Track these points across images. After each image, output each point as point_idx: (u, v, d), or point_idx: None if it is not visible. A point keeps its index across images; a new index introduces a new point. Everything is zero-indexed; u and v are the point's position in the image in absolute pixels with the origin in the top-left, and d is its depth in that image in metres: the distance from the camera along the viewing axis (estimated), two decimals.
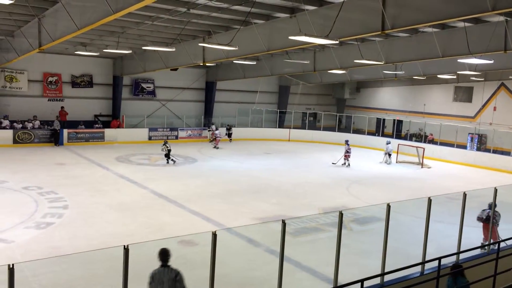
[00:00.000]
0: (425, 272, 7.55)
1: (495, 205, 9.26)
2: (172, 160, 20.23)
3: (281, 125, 32.99)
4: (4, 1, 8.32)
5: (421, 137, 28.82)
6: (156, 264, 7.58)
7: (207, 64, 23.59)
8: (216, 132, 26.78)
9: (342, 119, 34.18)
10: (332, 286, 6.51)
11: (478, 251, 8.59)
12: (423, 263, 7.58)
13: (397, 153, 24.25)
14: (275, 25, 14.44)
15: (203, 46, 18.19)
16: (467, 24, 13.86)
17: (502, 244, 8.40)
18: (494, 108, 28.49)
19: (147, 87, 28.93)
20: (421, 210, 7.98)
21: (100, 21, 10.76)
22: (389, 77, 27.20)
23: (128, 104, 28.24)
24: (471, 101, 30.12)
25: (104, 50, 20.61)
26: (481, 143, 27.36)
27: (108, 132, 25.59)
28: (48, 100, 25.62)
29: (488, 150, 25.69)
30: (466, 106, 30.29)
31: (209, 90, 31.27)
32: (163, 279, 5.66)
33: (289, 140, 30.97)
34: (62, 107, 25.57)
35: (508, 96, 28.05)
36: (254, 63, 24.46)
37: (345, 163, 21.69)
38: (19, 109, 24.43)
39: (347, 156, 21.70)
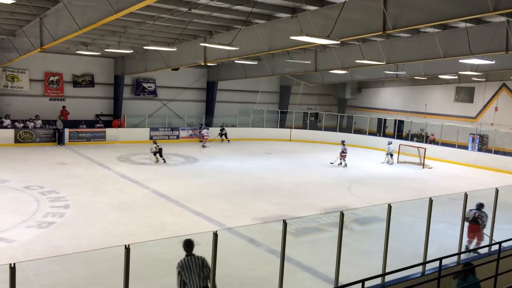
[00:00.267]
0: (426, 273, 7.54)
1: (493, 206, 9.18)
2: (161, 159, 20.33)
3: (282, 125, 32.98)
4: (6, 1, 8.33)
5: (422, 138, 28.80)
6: (154, 262, 7.60)
7: (208, 64, 23.61)
8: (203, 131, 26.91)
9: (343, 120, 34.14)
10: (333, 286, 6.51)
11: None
12: (424, 263, 7.58)
13: (398, 153, 24.23)
14: (277, 25, 14.44)
15: (205, 46, 18.20)
16: (468, 25, 13.84)
17: (504, 245, 8.39)
18: (496, 109, 28.45)
19: (149, 86, 28.95)
20: (422, 210, 7.98)
21: (102, 21, 10.77)
22: (391, 77, 27.18)
23: (130, 103, 28.26)
24: (472, 101, 30.08)
25: (106, 50, 20.63)
26: (482, 144, 27.33)
27: (110, 132, 25.61)
28: (50, 100, 25.64)
29: (489, 151, 25.64)
30: (468, 106, 30.26)
31: (210, 90, 31.28)
32: (192, 267, 6.04)
33: (290, 140, 30.96)
34: (63, 107, 25.59)
35: (510, 97, 28.02)
36: (255, 63, 24.46)
37: (341, 163, 21.66)
38: (21, 109, 24.46)
39: (343, 156, 21.67)
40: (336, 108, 38.13)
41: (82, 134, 24.69)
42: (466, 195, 8.18)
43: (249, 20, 14.02)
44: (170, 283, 8.18)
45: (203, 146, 26.09)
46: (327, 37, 11.00)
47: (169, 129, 27.74)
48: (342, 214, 6.56)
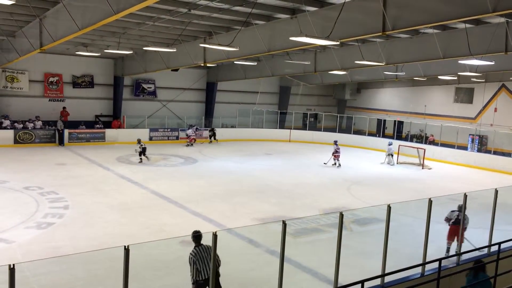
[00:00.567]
0: (425, 273, 7.55)
1: (492, 206, 9.17)
2: (145, 157, 20.51)
3: (281, 125, 33.00)
4: (6, 2, 8.33)
5: (421, 138, 28.81)
6: (153, 263, 7.60)
7: (208, 65, 23.61)
8: (188, 131, 26.95)
9: (343, 120, 34.16)
10: (333, 287, 6.52)
11: (478, 253, 8.58)
12: (423, 264, 7.58)
13: (398, 154, 24.24)
14: (276, 26, 14.45)
15: (204, 47, 18.21)
16: (468, 25, 13.86)
17: (504, 245, 8.39)
18: (495, 109, 28.47)
19: (148, 87, 28.96)
20: (422, 211, 7.98)
21: (101, 22, 10.77)
22: (390, 78, 27.20)
23: (129, 104, 28.27)
24: (471, 102, 30.10)
25: (105, 51, 20.63)
26: (481, 144, 27.35)
27: (109, 133, 25.61)
28: (49, 101, 25.64)
29: (488, 151, 25.67)
30: (467, 107, 30.28)
31: (210, 91, 31.29)
32: (203, 256, 6.64)
33: (289, 141, 30.97)
34: (64, 108, 25.60)
35: (509, 97, 28.05)
36: (255, 63, 24.47)
37: (335, 163, 21.63)
38: (20, 109, 24.46)
39: (336, 156, 21.64)
40: (335, 108, 38.14)
41: (82, 135, 24.68)
42: (465, 196, 8.19)
43: (248, 21, 14.03)
44: (169, 284, 8.21)
45: (188, 145, 26.29)
46: (327, 38, 11.01)
47: (169, 129, 27.73)
48: (341, 215, 6.57)
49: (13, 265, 4.27)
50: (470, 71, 20.85)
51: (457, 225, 9.62)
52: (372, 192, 17.02)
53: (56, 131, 23.88)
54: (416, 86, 32.73)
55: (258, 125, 32.34)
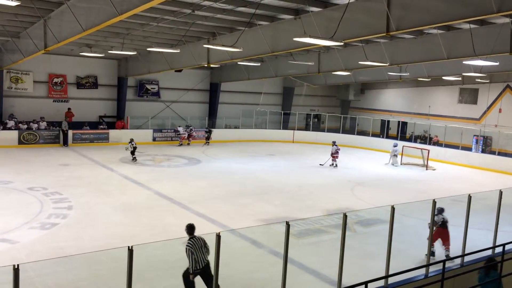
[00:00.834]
0: (429, 275, 7.53)
1: (497, 207, 9.11)
2: (134, 157, 20.70)
3: (285, 126, 32.97)
4: (11, 3, 8.36)
5: (425, 139, 28.73)
6: (157, 263, 7.61)
7: (211, 66, 23.63)
8: (179, 128, 26.96)
9: (346, 121, 34.09)
10: None
11: (483, 254, 8.54)
12: (427, 265, 7.56)
13: (402, 155, 24.18)
14: (280, 26, 14.45)
15: (208, 48, 18.23)
16: (472, 26, 13.81)
17: (508, 247, 8.36)
18: (500, 110, 28.35)
19: (152, 88, 29.01)
20: (426, 212, 7.96)
21: (105, 23, 10.81)
22: (394, 79, 27.13)
23: (133, 105, 28.33)
24: (476, 103, 29.99)
25: (109, 51, 20.70)
26: (486, 145, 27.24)
27: (113, 133, 25.67)
28: (53, 101, 25.74)
29: (493, 152, 25.55)
30: (471, 108, 30.16)
31: (213, 91, 31.32)
32: (198, 246, 7.13)
33: (293, 142, 30.95)
34: (69, 108, 25.68)
35: None
36: (259, 64, 24.48)
37: (333, 164, 21.55)
38: (24, 110, 24.55)
39: (335, 157, 21.55)
40: (339, 109, 38.08)
41: (86, 136, 24.75)
42: (470, 197, 8.15)
43: (252, 21, 14.04)
44: (173, 284, 8.20)
45: (180, 145, 26.38)
46: (331, 38, 11.00)
47: (172, 130, 27.76)
48: (345, 216, 6.55)
49: (18, 265, 4.28)
50: (475, 72, 20.78)
51: (443, 228, 9.77)
52: (376, 193, 16.98)
53: (61, 132, 23.95)
54: (420, 86, 32.64)
55: (261, 125, 32.34)
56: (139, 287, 5.39)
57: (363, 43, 17.73)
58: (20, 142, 22.84)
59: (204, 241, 7.22)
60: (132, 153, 20.66)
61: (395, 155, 23.45)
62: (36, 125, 23.77)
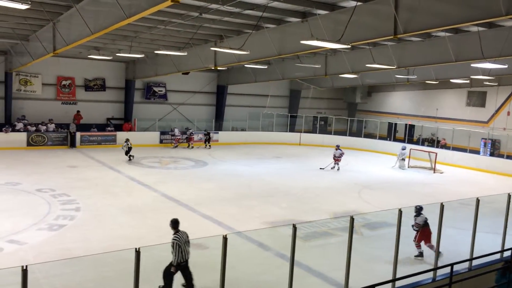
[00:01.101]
0: (437, 279, 7.49)
1: (505, 211, 9.09)
2: (128, 157, 21.02)
3: (292, 129, 32.94)
4: (20, 6, 8.45)
5: (433, 142, 28.58)
6: (163, 265, 7.62)
7: (218, 68, 23.70)
8: (175, 130, 26.93)
9: (353, 124, 33.99)
10: None
11: (490, 258, 8.48)
12: (435, 269, 7.53)
13: (409, 158, 24.07)
14: (287, 29, 14.46)
15: (215, 50, 18.29)
16: (480, 29, 13.75)
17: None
18: (508, 113, 28.15)
19: (159, 90, 29.13)
20: (433, 215, 7.92)
21: (114, 26, 10.88)
22: (401, 82, 27.04)
23: (140, 107, 28.46)
24: (484, 106, 29.80)
25: (117, 54, 20.83)
26: (494, 149, 27.05)
27: (120, 135, 25.79)
28: (62, 104, 25.92)
29: (501, 156, 25.36)
30: (479, 111, 29.97)
31: (220, 94, 31.38)
32: (183, 240, 7.50)
33: (299, 144, 30.92)
34: (78, 111, 25.86)
35: None
36: (265, 67, 24.50)
37: (334, 167, 21.41)
38: (33, 112, 24.74)
39: (338, 160, 21.40)
40: (346, 112, 38.01)
41: (93, 138, 24.89)
42: (478, 201, 8.11)
43: (259, 24, 14.08)
44: (179, 286, 8.20)
45: (175, 147, 26.38)
46: (338, 41, 11.01)
47: (179, 132, 27.81)
48: (352, 219, 6.54)
49: (26, 266, 4.32)
50: (483, 75, 20.66)
51: (426, 227, 9.91)
52: (383, 196, 16.90)
53: (68, 134, 24.12)
54: (428, 89, 32.49)
55: (268, 128, 32.35)
56: None
57: (371, 45, 17.71)
58: (29, 144, 23.02)
59: (187, 235, 7.62)
60: (127, 153, 20.94)
61: (403, 159, 23.33)
62: (44, 127, 23.95)
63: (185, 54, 17.86)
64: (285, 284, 6.08)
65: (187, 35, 16.99)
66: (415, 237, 10.04)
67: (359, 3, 11.04)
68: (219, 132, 29.56)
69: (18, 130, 23.17)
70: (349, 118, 33.77)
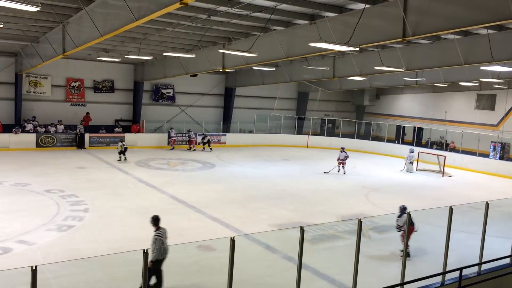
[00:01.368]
0: (446, 283, 7.43)
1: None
2: (124, 158, 21.24)
3: (299, 131, 32.92)
4: (31, 8, 8.54)
5: (442, 145, 28.39)
6: (171, 267, 7.64)
7: (226, 70, 23.75)
8: (171, 131, 26.84)
9: (361, 126, 33.85)
10: None
11: (500, 262, 8.40)
12: (444, 273, 7.47)
13: (418, 161, 23.94)
14: (295, 31, 14.46)
15: (223, 53, 18.33)
16: (490, 31, 13.65)
17: None
18: None
19: (167, 92, 29.26)
20: (442, 219, 7.86)
21: (123, 28, 10.95)
22: (410, 84, 26.91)
23: (148, 109, 28.60)
24: (494, 109, 29.57)
25: (126, 56, 20.95)
26: (504, 152, 26.77)
27: (128, 137, 25.91)
28: (71, 105, 26.12)
29: (511, 159, 25.14)
30: (489, 114, 29.75)
31: (228, 96, 31.45)
32: (165, 236, 7.79)
33: (307, 147, 30.87)
34: (87, 113, 26.04)
35: None
36: (273, 69, 24.51)
37: (339, 170, 21.24)
38: (42, 114, 24.96)
39: (342, 163, 21.25)
40: (354, 114, 37.91)
41: (102, 139, 25.03)
42: (487, 204, 8.04)
43: (267, 27, 14.09)
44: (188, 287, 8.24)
45: (172, 148, 26.31)
46: (346, 43, 10.98)
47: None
48: (360, 222, 6.52)
49: (35, 266, 4.35)
50: (492, 77, 20.51)
51: (411, 226, 9.85)
52: (391, 199, 16.81)
53: (76, 135, 24.30)
54: (437, 92, 32.32)
55: (275, 130, 32.35)
56: None
57: (379, 48, 17.65)
58: (38, 145, 23.22)
59: (167, 232, 7.87)
60: (121, 153, 21.15)
61: (411, 162, 23.19)
62: (54, 129, 24.14)
63: (194, 56, 17.91)
64: (292, 287, 6.06)
65: (195, 37, 17.05)
66: (402, 237, 10.04)
67: (367, 6, 11.02)
68: (227, 134, 29.61)
69: (28, 131, 23.38)
70: (357, 121, 33.64)
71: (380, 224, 12.97)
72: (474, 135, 26.56)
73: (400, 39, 10.83)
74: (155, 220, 7.93)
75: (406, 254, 8.79)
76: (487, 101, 30.00)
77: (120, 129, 26.34)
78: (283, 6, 12.14)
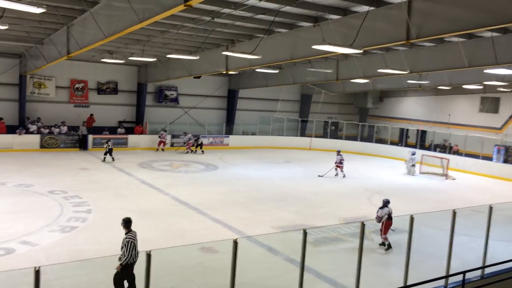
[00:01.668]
0: (448, 286, 7.41)
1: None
2: (110, 157, 21.32)
3: (302, 133, 32.90)
4: (36, 10, 8.58)
5: (445, 148, 28.32)
6: (173, 268, 7.64)
7: (229, 72, 23.78)
8: (162, 132, 26.57)
9: (364, 129, 33.81)
10: None
11: (503, 266, 8.36)
12: (446, 276, 7.44)
13: (421, 163, 23.87)
14: (299, 34, 14.47)
15: (227, 55, 18.34)
16: (494, 34, 13.62)
17: None
18: None
19: (171, 94, 29.31)
20: (445, 222, 7.84)
21: (127, 30, 10.99)
22: (413, 87, 26.86)
23: (152, 111, 28.66)
24: (497, 112, 29.48)
25: (130, 58, 21.02)
26: (508, 155, 26.64)
27: (132, 138, 25.97)
28: (74, 106, 26.20)
29: None
30: (493, 117, 29.66)
31: (231, 98, 31.48)
32: (136, 239, 7.50)
33: (310, 149, 30.85)
34: (91, 114, 26.11)
35: None
36: (277, 71, 24.52)
37: (337, 174, 21.06)
38: (46, 115, 25.04)
39: (339, 166, 21.07)
40: (357, 117, 37.87)
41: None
42: (490, 208, 8.01)
43: (271, 29, 14.11)
44: None
45: (162, 150, 25.93)
46: (350, 46, 10.98)
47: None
48: (363, 225, 6.51)
49: (39, 267, 4.37)
50: (497, 80, 20.44)
51: (389, 220, 10.88)
52: (394, 202, 16.63)
53: (78, 136, 24.38)
54: (440, 95, 32.24)
55: (278, 132, 32.34)
56: None
57: (383, 50, 17.64)
58: (42, 146, 23.28)
59: (137, 235, 7.63)
60: (106, 153, 21.23)
61: (413, 165, 23.12)
62: (57, 130, 24.21)
63: (197, 58, 17.93)
64: None
65: (199, 39, 17.08)
66: (380, 230, 10.90)
67: (371, 8, 11.02)
68: (230, 136, 29.62)
69: (32, 132, 23.45)
70: (360, 123, 33.61)
71: None
72: (477, 138, 26.48)
73: (404, 42, 10.83)
74: (127, 223, 7.64)
75: (383, 244, 9.00)
76: (491, 104, 29.93)
77: (123, 131, 26.39)
78: (287, 8, 12.15)
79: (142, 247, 6.06)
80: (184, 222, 12.53)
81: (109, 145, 21.30)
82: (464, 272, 7.18)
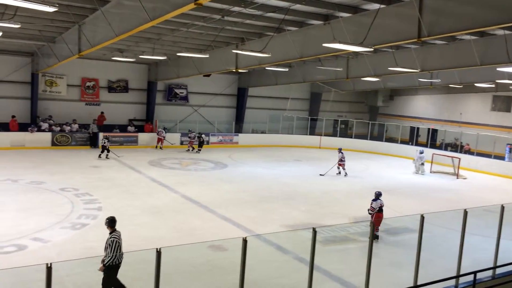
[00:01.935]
0: (459, 286, 7.36)
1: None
2: (105, 155, 21.39)
3: (312, 132, 32.81)
4: (48, 9, 8.65)
5: (456, 147, 28.06)
6: (183, 266, 7.66)
7: (239, 71, 23.79)
8: (161, 129, 26.50)
9: (375, 127, 33.59)
10: None
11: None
12: (457, 276, 7.39)
13: (432, 163, 23.69)
14: (309, 32, 14.43)
15: (236, 53, 18.36)
16: (507, 32, 13.45)
17: None
18: None
19: (180, 92, 29.41)
20: (456, 222, 7.78)
21: (138, 28, 11.04)
22: (424, 85, 26.65)
23: (162, 109, 28.78)
24: (510, 110, 29.14)
25: (140, 56, 21.11)
26: None
27: (142, 136, 26.10)
28: (85, 104, 26.40)
29: None
30: (505, 116, 29.32)
31: (241, 96, 31.49)
32: (120, 238, 7.50)
33: (320, 148, 30.76)
34: (102, 112, 26.30)
35: None
36: (287, 70, 24.47)
37: (339, 172, 20.93)
38: (58, 113, 25.26)
39: (341, 164, 20.90)
40: (367, 115, 37.67)
41: (115, 138, 25.23)
42: (502, 207, 7.94)
43: (281, 27, 14.08)
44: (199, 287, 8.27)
45: (160, 147, 25.84)
46: (360, 44, 10.92)
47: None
48: (372, 224, 6.48)
49: (50, 264, 4.41)
50: (509, 79, 20.21)
51: (380, 212, 11.15)
52: (404, 201, 16.67)
53: (89, 134, 24.57)
54: (452, 93, 31.94)
55: (288, 131, 32.28)
56: None
57: (394, 49, 17.51)
58: (53, 143, 23.51)
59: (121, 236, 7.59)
60: (103, 149, 21.32)
61: (422, 163, 22.94)
62: (68, 128, 24.42)
63: (207, 56, 17.97)
64: None
65: (209, 37, 17.11)
66: (371, 222, 10.72)
67: (382, 6, 10.95)
68: (239, 134, 29.65)
69: (43, 130, 23.68)
70: (370, 122, 33.41)
71: (393, 226, 12.86)
72: (489, 137, 26.18)
73: (415, 40, 10.73)
74: (111, 222, 7.51)
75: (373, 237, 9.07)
76: (503, 103, 29.59)
77: (133, 129, 26.54)
78: (297, 6, 12.11)
79: (151, 244, 6.10)
80: (193, 220, 12.58)
81: (104, 142, 21.36)
82: (475, 272, 7.12)
